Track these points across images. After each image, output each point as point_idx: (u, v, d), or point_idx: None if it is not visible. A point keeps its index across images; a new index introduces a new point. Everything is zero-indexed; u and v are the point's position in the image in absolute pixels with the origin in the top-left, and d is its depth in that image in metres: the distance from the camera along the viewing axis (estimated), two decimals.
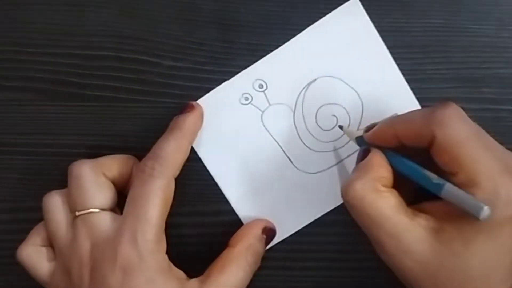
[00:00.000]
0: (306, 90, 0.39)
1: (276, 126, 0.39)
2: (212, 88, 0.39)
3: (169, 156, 0.35)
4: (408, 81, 0.38)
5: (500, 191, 0.30)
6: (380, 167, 0.33)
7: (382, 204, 0.32)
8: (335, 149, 0.39)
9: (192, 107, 0.37)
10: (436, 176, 0.32)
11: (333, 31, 0.38)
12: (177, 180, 0.36)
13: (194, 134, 0.37)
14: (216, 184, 0.39)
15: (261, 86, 0.39)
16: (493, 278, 0.31)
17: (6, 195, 0.40)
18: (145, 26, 0.39)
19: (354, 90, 0.39)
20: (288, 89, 0.39)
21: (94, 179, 0.35)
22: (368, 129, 0.35)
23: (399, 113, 0.34)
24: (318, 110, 0.39)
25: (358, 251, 0.39)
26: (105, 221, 0.34)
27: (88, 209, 0.35)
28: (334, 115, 0.39)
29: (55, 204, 0.36)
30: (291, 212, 0.39)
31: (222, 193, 0.39)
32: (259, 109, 0.39)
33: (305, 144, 0.39)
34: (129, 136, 0.39)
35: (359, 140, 0.36)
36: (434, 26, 0.38)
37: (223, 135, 0.39)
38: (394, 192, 0.33)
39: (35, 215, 0.37)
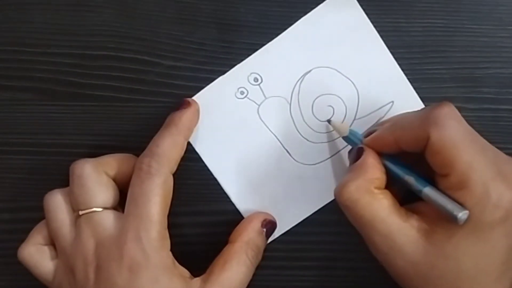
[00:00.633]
0: (301, 82, 0.39)
1: (273, 119, 0.39)
2: None
3: (165, 153, 0.35)
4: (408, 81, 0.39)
5: (491, 195, 0.30)
6: (374, 169, 0.33)
7: (376, 205, 0.32)
8: (332, 140, 0.39)
9: (188, 104, 0.37)
10: (414, 182, 0.32)
11: (326, 22, 0.39)
12: (178, 180, 0.36)
13: (190, 130, 0.37)
14: (216, 184, 0.39)
15: (256, 79, 0.39)
16: (484, 280, 0.31)
17: (7, 194, 0.40)
18: (145, 26, 0.39)
19: (350, 79, 0.39)
20: (284, 81, 0.39)
21: (96, 178, 0.35)
22: (369, 134, 0.35)
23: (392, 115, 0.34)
24: (314, 101, 0.39)
25: (358, 250, 0.39)
26: (108, 220, 0.35)
27: (91, 208, 0.35)
28: (330, 106, 0.39)
29: (57, 202, 0.36)
30: (291, 204, 0.39)
31: (223, 193, 0.39)
32: (255, 103, 0.39)
33: (302, 136, 0.39)
34: (129, 136, 0.39)
35: (347, 138, 0.36)
36: (434, 26, 0.38)
37: (220, 130, 0.39)
38: (388, 193, 0.33)
39: (36, 215, 0.37)
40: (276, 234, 0.39)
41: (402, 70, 0.38)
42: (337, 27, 0.39)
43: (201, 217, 0.39)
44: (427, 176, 0.32)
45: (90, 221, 0.34)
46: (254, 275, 0.36)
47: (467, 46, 0.39)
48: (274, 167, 0.39)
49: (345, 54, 0.39)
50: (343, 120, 0.39)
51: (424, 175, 0.32)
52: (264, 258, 0.37)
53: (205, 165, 0.39)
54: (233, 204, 0.39)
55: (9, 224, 0.40)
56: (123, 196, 0.35)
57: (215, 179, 0.39)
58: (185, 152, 0.36)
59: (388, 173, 0.34)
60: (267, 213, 0.38)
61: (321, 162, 0.39)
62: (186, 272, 0.35)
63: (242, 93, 0.39)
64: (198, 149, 0.39)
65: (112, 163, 0.36)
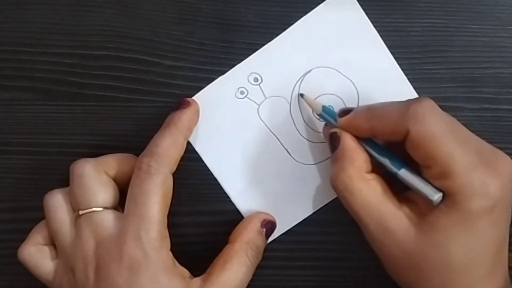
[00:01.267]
0: (301, 82, 0.39)
1: (273, 119, 0.39)
2: None
3: (165, 152, 0.35)
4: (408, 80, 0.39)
5: (474, 183, 0.30)
6: (358, 154, 0.34)
7: (370, 192, 0.33)
8: None
9: (187, 104, 0.37)
10: (389, 164, 0.33)
11: (326, 22, 0.39)
12: (178, 180, 0.36)
13: (189, 130, 0.37)
14: (217, 184, 0.39)
15: (256, 79, 0.39)
16: (475, 271, 0.31)
17: (7, 194, 0.40)
18: (145, 26, 0.39)
19: (350, 79, 0.39)
20: (283, 81, 0.39)
21: (96, 178, 0.35)
22: (342, 113, 0.35)
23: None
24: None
25: (358, 250, 0.39)
26: (108, 219, 0.35)
27: (91, 207, 0.35)
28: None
29: (57, 202, 0.36)
30: (291, 204, 0.39)
31: (223, 192, 0.39)
32: (255, 103, 0.39)
33: (302, 136, 0.39)
34: (129, 136, 0.39)
35: (321, 115, 0.36)
36: (434, 26, 0.38)
37: (220, 130, 0.39)
38: (380, 179, 0.34)
39: (36, 215, 0.37)
40: (276, 234, 0.39)
41: (402, 70, 0.38)
42: (337, 27, 0.39)
43: (201, 217, 0.39)
44: (411, 161, 0.33)
45: (90, 221, 0.34)
46: (254, 275, 0.36)
47: (467, 46, 0.39)
48: (274, 167, 0.39)
49: (345, 54, 0.39)
50: None
51: (408, 159, 0.33)
52: (264, 258, 0.37)
53: (205, 165, 0.39)
54: (233, 204, 0.39)
55: (9, 224, 0.40)
56: (123, 196, 0.35)
57: (215, 179, 0.39)
58: (185, 152, 0.36)
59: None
60: (267, 213, 0.38)
61: (321, 162, 0.39)
62: (186, 272, 0.35)
63: (242, 93, 0.39)
64: (198, 149, 0.39)
65: (112, 162, 0.36)
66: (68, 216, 0.35)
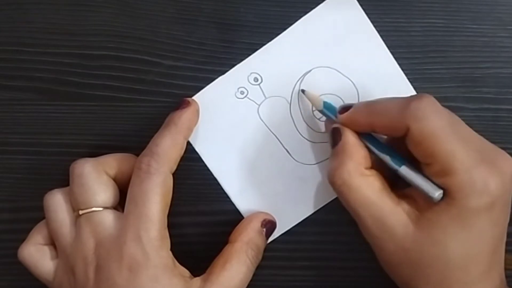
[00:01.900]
0: (301, 82, 0.39)
1: (273, 119, 0.39)
2: None
3: (165, 152, 0.35)
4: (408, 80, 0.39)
5: (475, 181, 0.30)
6: (358, 149, 0.34)
7: (368, 188, 0.33)
8: None
9: (187, 103, 0.37)
10: (390, 160, 0.33)
11: (326, 22, 0.39)
12: (178, 180, 0.36)
13: (189, 130, 0.37)
14: (217, 183, 0.39)
15: (256, 79, 0.39)
16: (473, 269, 0.31)
17: (7, 194, 0.40)
18: (145, 26, 0.39)
19: (350, 79, 0.39)
20: (283, 81, 0.39)
21: (96, 178, 0.35)
22: (343, 109, 0.35)
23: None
24: None
25: (358, 250, 0.39)
26: (108, 219, 0.35)
27: (91, 207, 0.35)
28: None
29: (57, 202, 0.36)
30: (291, 204, 0.39)
31: (223, 192, 0.39)
32: (255, 103, 0.39)
33: (302, 136, 0.39)
34: (129, 136, 0.39)
35: (322, 112, 0.36)
36: (434, 26, 0.38)
37: (220, 130, 0.39)
38: (378, 175, 0.33)
39: (36, 215, 0.37)
40: (276, 234, 0.39)
41: (402, 70, 0.38)
42: (337, 27, 0.39)
43: (201, 217, 0.39)
44: (412, 158, 0.33)
45: (90, 221, 0.34)
46: (254, 275, 0.36)
47: (467, 46, 0.39)
48: (274, 167, 0.39)
49: (345, 54, 0.39)
50: None
51: (408, 156, 0.33)
52: (264, 258, 0.37)
53: (205, 165, 0.39)
54: (233, 204, 0.39)
55: (9, 224, 0.40)
56: (123, 195, 0.35)
57: (215, 179, 0.39)
58: (185, 152, 0.36)
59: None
60: (267, 213, 0.38)
61: (321, 162, 0.39)
62: (186, 272, 0.35)
63: (242, 93, 0.39)
64: (198, 149, 0.39)
65: (112, 162, 0.36)
66: (68, 216, 0.35)
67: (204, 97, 0.39)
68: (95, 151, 0.38)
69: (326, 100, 0.37)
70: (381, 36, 0.38)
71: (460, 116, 0.33)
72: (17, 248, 0.36)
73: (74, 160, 0.36)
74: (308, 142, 0.39)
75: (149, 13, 0.39)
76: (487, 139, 0.33)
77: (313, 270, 0.39)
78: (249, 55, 0.39)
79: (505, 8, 0.38)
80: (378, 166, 0.34)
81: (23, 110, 0.39)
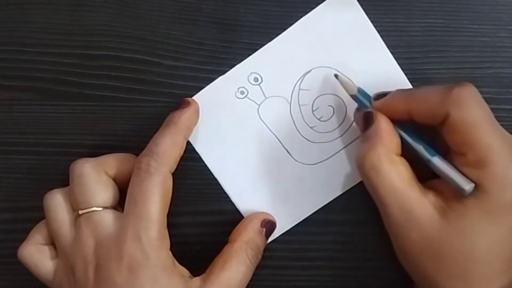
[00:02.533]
0: (301, 82, 0.39)
1: (273, 119, 0.39)
2: None
3: (164, 152, 0.35)
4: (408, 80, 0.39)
5: (509, 176, 0.30)
6: (390, 135, 0.33)
7: (396, 176, 0.32)
8: (333, 140, 0.39)
9: (187, 103, 0.37)
10: (423, 151, 0.32)
11: (326, 22, 0.39)
12: (178, 180, 0.36)
13: (189, 130, 0.37)
14: (217, 183, 0.39)
15: (256, 79, 0.39)
16: (496, 264, 0.31)
17: (7, 194, 0.40)
18: (145, 26, 0.39)
19: (349, 79, 0.39)
20: (284, 81, 0.39)
21: (96, 178, 0.35)
22: (378, 96, 0.35)
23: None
24: (314, 101, 0.39)
25: (359, 250, 0.39)
26: (108, 219, 0.35)
27: (91, 207, 0.35)
28: (330, 106, 0.39)
29: (57, 202, 0.36)
30: (291, 204, 0.39)
31: (223, 192, 0.39)
32: (256, 103, 0.39)
33: (302, 136, 0.39)
34: (129, 136, 0.39)
35: (355, 97, 0.36)
36: (434, 26, 0.38)
37: (221, 130, 0.39)
38: (407, 164, 0.33)
39: (36, 215, 0.37)
40: (276, 234, 0.39)
41: (402, 70, 0.38)
42: (337, 27, 0.39)
43: (201, 217, 0.39)
44: (441, 149, 0.32)
45: (90, 221, 0.34)
46: (254, 275, 0.36)
47: (467, 46, 0.39)
48: (274, 167, 0.39)
49: (345, 54, 0.39)
50: (343, 120, 0.39)
51: (437, 147, 0.32)
52: (264, 258, 0.37)
53: (205, 165, 0.39)
54: (233, 204, 0.39)
55: (9, 224, 0.40)
56: (123, 195, 0.35)
57: (215, 179, 0.39)
58: (185, 152, 0.36)
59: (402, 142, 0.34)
60: (266, 213, 0.38)
61: (321, 162, 0.39)
62: (185, 272, 0.35)
63: (242, 93, 0.39)
64: (198, 149, 0.39)
65: (112, 162, 0.36)
66: (68, 216, 0.35)
67: (204, 97, 0.39)
68: (95, 151, 0.38)
69: (360, 86, 0.36)
70: (381, 36, 0.38)
71: None
72: (17, 248, 0.36)
73: (74, 160, 0.36)
74: (308, 142, 0.39)
75: (149, 13, 0.39)
76: None
77: (313, 270, 0.39)
78: (249, 55, 0.39)
79: (505, 8, 0.38)
80: (407, 156, 0.34)
81: (23, 110, 0.39)
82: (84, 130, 0.39)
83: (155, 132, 0.36)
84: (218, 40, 0.39)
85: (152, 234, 0.33)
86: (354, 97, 0.37)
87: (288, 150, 0.39)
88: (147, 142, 0.36)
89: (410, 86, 0.38)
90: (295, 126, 0.39)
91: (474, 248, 0.31)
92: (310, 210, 0.39)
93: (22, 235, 0.37)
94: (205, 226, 0.39)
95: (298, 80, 0.39)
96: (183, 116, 0.37)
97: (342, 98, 0.39)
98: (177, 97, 0.38)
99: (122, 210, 0.35)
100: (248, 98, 0.39)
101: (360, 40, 0.39)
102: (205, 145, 0.39)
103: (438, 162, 0.32)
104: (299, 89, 0.39)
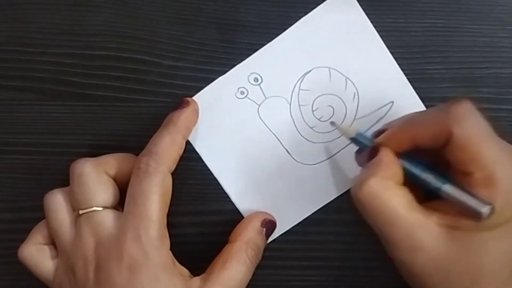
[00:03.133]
0: (301, 82, 0.39)
1: (273, 119, 0.39)
2: None
3: (164, 152, 0.35)
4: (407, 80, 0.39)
5: None
6: (392, 165, 0.33)
7: (396, 202, 0.32)
8: (332, 140, 0.39)
9: (187, 103, 0.37)
10: (433, 180, 0.32)
11: (326, 22, 0.39)
12: (178, 180, 0.36)
13: (188, 130, 0.37)
14: (217, 183, 0.39)
15: (256, 79, 0.39)
16: (503, 273, 0.31)
17: (7, 194, 0.40)
18: (145, 26, 0.39)
19: (349, 79, 0.39)
20: (284, 81, 0.39)
21: (96, 178, 0.35)
22: (378, 133, 0.34)
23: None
24: (314, 101, 0.39)
25: (358, 250, 0.39)
26: (108, 219, 0.35)
27: (91, 207, 0.35)
28: (330, 106, 0.39)
29: (57, 202, 0.36)
30: (291, 204, 0.39)
31: (223, 192, 0.39)
32: (256, 103, 0.39)
33: (302, 136, 0.39)
34: (129, 136, 0.39)
35: (354, 139, 0.36)
36: (434, 26, 0.38)
37: (221, 130, 0.39)
38: (407, 190, 0.33)
39: (36, 214, 0.37)
40: (276, 234, 0.39)
41: (402, 70, 0.38)
42: (337, 27, 0.39)
43: (201, 217, 0.39)
44: (444, 175, 0.32)
45: (90, 220, 0.35)
46: (254, 275, 0.36)
47: (467, 46, 0.39)
48: (274, 167, 0.39)
49: (345, 54, 0.39)
50: (343, 120, 0.39)
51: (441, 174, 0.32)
52: (264, 258, 0.37)
53: (205, 165, 0.39)
54: (233, 204, 0.39)
55: (9, 224, 0.40)
56: (123, 195, 0.35)
57: (215, 179, 0.39)
58: (185, 152, 0.37)
59: (404, 173, 0.33)
60: (266, 213, 0.38)
61: (321, 162, 0.39)
62: (185, 271, 0.35)
63: (242, 93, 0.39)
64: (198, 149, 0.39)
65: (112, 162, 0.36)
66: (68, 215, 0.35)
67: (204, 97, 0.39)
68: (95, 151, 0.38)
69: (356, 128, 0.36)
70: (381, 36, 0.38)
71: None
72: (17, 248, 0.36)
73: (74, 160, 0.36)
74: (308, 142, 0.39)
75: (149, 13, 0.39)
76: None
77: (313, 270, 0.39)
78: (249, 55, 0.39)
79: (505, 8, 0.38)
80: (407, 184, 0.33)
81: (23, 110, 0.39)
82: (84, 130, 0.39)
83: (155, 132, 0.36)
84: (218, 40, 0.39)
85: (152, 234, 0.33)
86: (353, 139, 0.36)
87: (288, 150, 0.39)
88: (147, 142, 0.36)
89: (410, 86, 0.38)
90: (295, 126, 0.39)
91: (481, 263, 0.31)
92: (310, 210, 0.39)
93: (22, 235, 0.37)
94: (205, 226, 0.39)
95: (298, 80, 0.39)
96: (182, 116, 0.37)
97: (342, 98, 0.39)
98: (177, 97, 0.38)
99: (122, 210, 0.35)
100: (248, 98, 0.39)
101: (360, 40, 0.39)
102: (205, 145, 0.39)
103: (450, 189, 0.31)
104: (299, 89, 0.39)
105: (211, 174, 0.39)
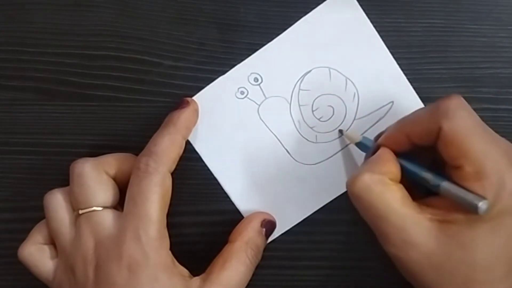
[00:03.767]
0: (301, 82, 0.39)
1: (273, 119, 0.39)
2: None
3: (163, 152, 0.35)
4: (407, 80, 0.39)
5: (506, 183, 0.30)
6: (388, 162, 0.33)
7: (389, 196, 0.32)
8: (332, 140, 0.39)
9: (186, 103, 0.37)
10: (432, 178, 0.32)
11: (326, 22, 0.39)
12: (178, 180, 0.36)
13: (188, 129, 0.37)
14: (217, 183, 0.39)
15: (256, 79, 0.39)
16: (497, 270, 0.31)
17: (7, 194, 0.40)
18: (145, 26, 0.39)
19: (349, 79, 0.39)
20: (284, 81, 0.39)
21: (96, 177, 0.35)
22: (378, 136, 0.35)
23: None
24: (314, 101, 0.39)
25: (359, 250, 0.39)
26: (108, 219, 0.35)
27: (91, 207, 0.35)
28: (330, 106, 0.39)
29: (57, 202, 0.36)
30: (291, 204, 0.39)
31: (223, 192, 0.39)
32: (256, 103, 0.39)
33: (302, 136, 0.39)
34: (129, 136, 0.39)
35: (360, 144, 0.37)
36: (433, 26, 0.38)
37: (221, 130, 0.39)
38: (401, 186, 0.33)
39: (36, 214, 0.37)
40: (276, 234, 0.39)
41: (402, 70, 0.38)
42: (337, 27, 0.39)
43: (201, 217, 0.39)
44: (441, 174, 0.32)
45: (90, 220, 0.35)
46: (254, 275, 0.36)
47: (466, 46, 0.39)
48: (274, 167, 0.39)
49: (345, 54, 0.39)
50: (343, 120, 0.39)
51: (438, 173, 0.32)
52: (264, 258, 0.37)
53: (205, 165, 0.39)
54: (233, 204, 0.39)
55: (9, 224, 0.40)
56: (123, 195, 0.35)
57: (215, 179, 0.39)
58: (185, 152, 0.36)
59: (403, 172, 0.34)
60: (266, 213, 0.38)
61: (321, 162, 0.39)
62: (185, 271, 0.35)
63: (242, 93, 0.39)
64: (198, 149, 0.39)
65: (112, 162, 0.36)
66: (68, 215, 0.35)
67: (204, 97, 0.39)
68: (95, 151, 0.38)
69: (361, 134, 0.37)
70: (381, 36, 0.38)
71: None
72: (17, 248, 0.36)
73: (74, 160, 0.36)
74: (308, 142, 0.39)
75: (149, 13, 0.39)
76: None
77: (313, 270, 0.39)
78: (249, 55, 0.39)
79: (505, 8, 0.38)
80: (404, 184, 0.33)
81: (23, 110, 0.39)
82: (84, 130, 0.39)
83: (155, 132, 0.36)
84: (218, 40, 0.39)
85: (152, 233, 0.33)
86: (359, 144, 0.37)
87: (288, 150, 0.39)
88: (147, 142, 0.36)
89: (409, 86, 0.38)
90: (295, 126, 0.39)
91: (475, 257, 0.31)
92: (310, 210, 0.39)
93: (22, 235, 0.37)
94: (205, 226, 0.39)
95: (298, 80, 0.39)
96: (182, 116, 0.37)
97: (342, 98, 0.39)
98: (177, 97, 0.38)
99: (122, 210, 0.35)
100: (248, 98, 0.39)
101: (360, 40, 0.39)
102: (205, 145, 0.39)
103: (448, 185, 0.31)
104: (299, 89, 0.39)
105: (211, 174, 0.39)
